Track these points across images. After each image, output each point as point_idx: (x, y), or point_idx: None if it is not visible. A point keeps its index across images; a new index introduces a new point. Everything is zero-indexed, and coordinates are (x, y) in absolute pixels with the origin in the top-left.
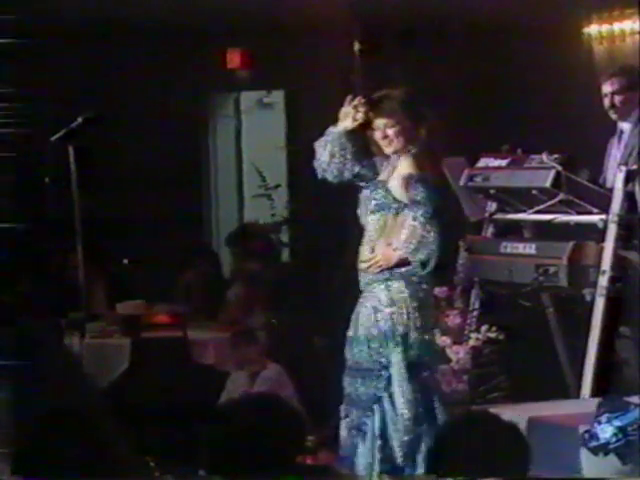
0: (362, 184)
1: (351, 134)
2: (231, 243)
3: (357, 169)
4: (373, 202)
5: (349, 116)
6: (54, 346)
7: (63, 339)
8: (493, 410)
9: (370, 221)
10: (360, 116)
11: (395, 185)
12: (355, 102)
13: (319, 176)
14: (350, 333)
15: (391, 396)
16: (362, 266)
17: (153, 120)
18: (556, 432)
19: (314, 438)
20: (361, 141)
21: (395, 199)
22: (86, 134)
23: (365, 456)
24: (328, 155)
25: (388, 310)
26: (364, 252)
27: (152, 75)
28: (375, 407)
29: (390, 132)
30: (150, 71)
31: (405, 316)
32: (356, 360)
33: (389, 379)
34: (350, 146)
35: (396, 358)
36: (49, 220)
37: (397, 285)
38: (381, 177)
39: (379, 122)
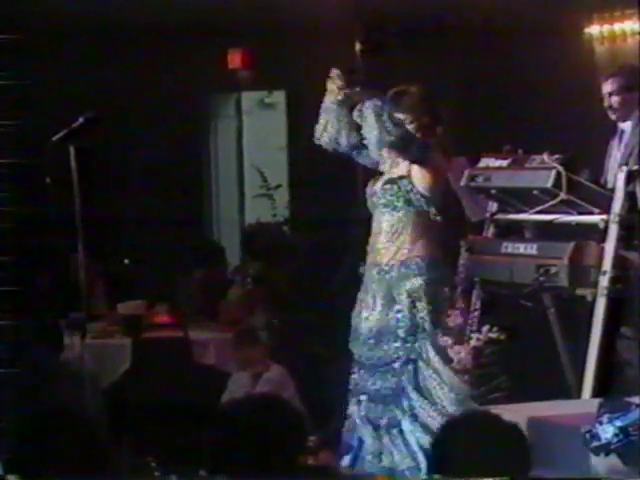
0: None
1: (346, 105)
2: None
3: (353, 140)
4: (399, 197)
5: (330, 90)
6: (54, 346)
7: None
8: (494, 410)
9: (390, 217)
10: (334, 88)
11: (419, 180)
12: (331, 74)
13: (316, 142)
14: (361, 329)
15: (418, 389)
16: (378, 260)
17: (154, 120)
18: (557, 432)
19: (315, 438)
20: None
21: (421, 194)
22: (87, 134)
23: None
24: (323, 123)
25: (409, 304)
26: (382, 247)
27: (153, 75)
28: (400, 401)
29: (409, 128)
30: (151, 71)
31: (425, 310)
32: (371, 355)
33: (415, 372)
34: (345, 116)
35: (423, 351)
36: (50, 220)
37: (415, 280)
38: (400, 171)
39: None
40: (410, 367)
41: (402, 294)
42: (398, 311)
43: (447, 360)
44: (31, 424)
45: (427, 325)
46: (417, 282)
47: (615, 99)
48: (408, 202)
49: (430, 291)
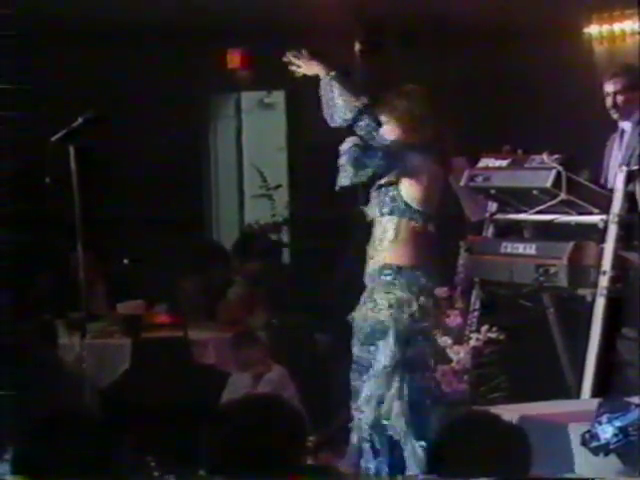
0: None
1: (336, 81)
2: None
3: (349, 115)
4: (385, 204)
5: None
6: (53, 346)
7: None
8: (493, 410)
9: (379, 222)
10: (294, 68)
11: (406, 189)
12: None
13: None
14: (354, 328)
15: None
16: (370, 262)
17: (154, 120)
18: (546, 430)
19: (315, 438)
20: (352, 88)
21: (407, 204)
22: (86, 134)
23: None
24: (322, 101)
25: (388, 311)
26: (372, 250)
27: (152, 75)
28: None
29: (402, 131)
30: (150, 71)
31: (404, 318)
32: (357, 354)
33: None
34: (337, 92)
35: (388, 358)
36: (49, 220)
37: (399, 286)
38: (391, 177)
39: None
40: (367, 375)
41: (381, 302)
42: (375, 316)
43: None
44: (38, 424)
45: (391, 334)
46: (392, 295)
47: (619, 98)
48: (392, 210)
49: (403, 305)
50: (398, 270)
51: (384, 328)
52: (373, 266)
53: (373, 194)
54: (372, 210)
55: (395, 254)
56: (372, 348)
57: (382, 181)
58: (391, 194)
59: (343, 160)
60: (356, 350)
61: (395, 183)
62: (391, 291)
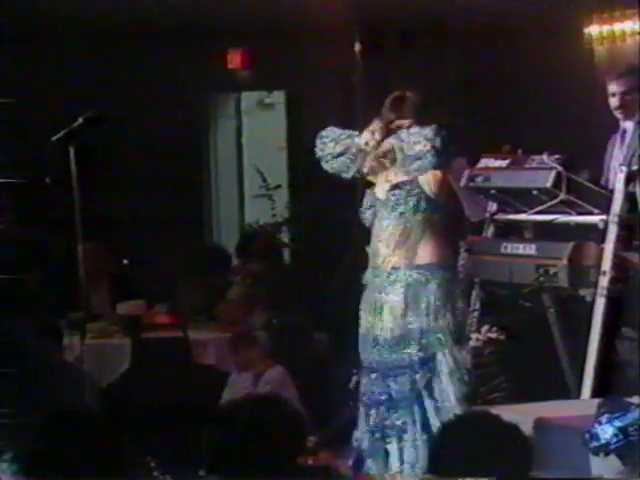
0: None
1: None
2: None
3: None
4: (404, 202)
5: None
6: (53, 347)
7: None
8: (493, 410)
9: (396, 222)
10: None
11: (427, 184)
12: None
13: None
14: (372, 334)
15: (432, 391)
16: (385, 266)
17: (154, 120)
18: (564, 433)
19: (315, 438)
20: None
21: (429, 198)
22: (86, 134)
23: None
24: (337, 149)
25: (425, 308)
26: (388, 253)
27: (153, 75)
28: (414, 405)
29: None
30: (151, 71)
31: (442, 312)
32: (383, 360)
33: (432, 373)
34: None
35: (440, 351)
36: (49, 220)
37: (433, 283)
38: (403, 177)
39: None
40: (425, 371)
41: (419, 298)
42: (414, 315)
43: (463, 360)
44: (37, 424)
45: (442, 325)
46: (434, 285)
47: (625, 99)
48: (416, 207)
49: (447, 293)
50: (435, 266)
51: (432, 325)
52: (397, 266)
53: (389, 194)
54: (386, 212)
55: (426, 251)
56: (409, 350)
57: (396, 181)
58: (412, 193)
59: (430, 142)
60: (376, 355)
61: (412, 181)
62: (434, 287)
